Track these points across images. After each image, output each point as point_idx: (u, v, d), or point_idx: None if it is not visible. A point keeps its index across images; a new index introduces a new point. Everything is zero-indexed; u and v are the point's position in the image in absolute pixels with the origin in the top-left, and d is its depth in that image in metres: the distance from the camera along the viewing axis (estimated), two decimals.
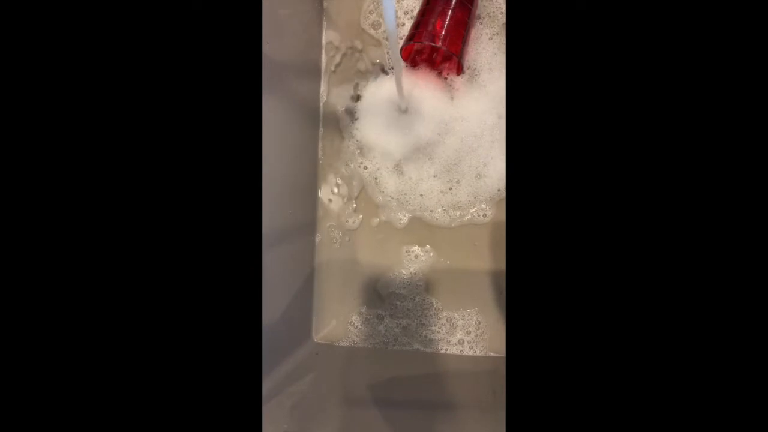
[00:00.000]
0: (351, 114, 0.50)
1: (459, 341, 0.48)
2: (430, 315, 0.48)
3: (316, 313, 0.50)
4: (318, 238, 0.50)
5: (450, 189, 0.48)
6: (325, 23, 0.51)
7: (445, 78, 0.48)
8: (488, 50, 0.47)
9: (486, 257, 0.48)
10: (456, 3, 0.44)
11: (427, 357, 0.48)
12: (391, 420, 0.36)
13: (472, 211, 0.48)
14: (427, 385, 0.43)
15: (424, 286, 0.49)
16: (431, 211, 0.49)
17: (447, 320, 0.48)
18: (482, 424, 0.36)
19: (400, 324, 0.49)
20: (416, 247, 0.49)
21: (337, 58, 0.51)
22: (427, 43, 0.44)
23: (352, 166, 0.50)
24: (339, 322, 0.50)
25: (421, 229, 0.49)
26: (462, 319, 0.48)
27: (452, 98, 0.47)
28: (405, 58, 0.48)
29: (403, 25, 0.49)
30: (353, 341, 0.49)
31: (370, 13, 0.50)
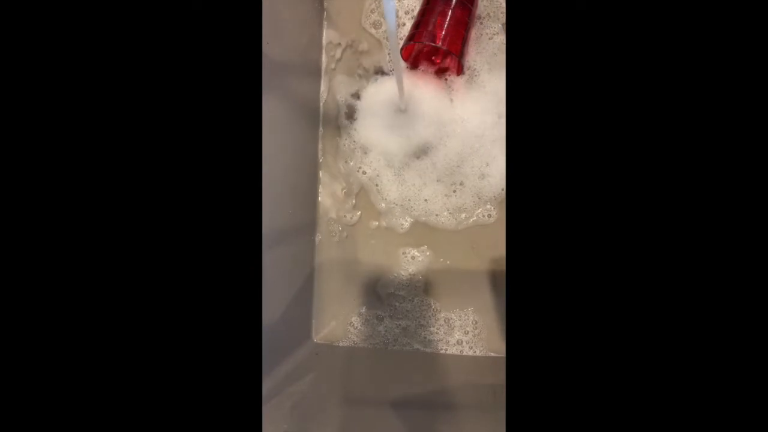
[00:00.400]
0: (351, 114, 0.50)
1: (458, 341, 0.48)
2: (429, 316, 0.48)
3: (316, 314, 0.50)
4: (318, 237, 0.50)
5: (454, 192, 0.48)
6: (325, 23, 0.51)
7: (445, 78, 0.48)
8: (488, 50, 0.47)
9: (483, 258, 0.48)
10: (456, 3, 0.44)
11: (427, 357, 0.48)
12: (391, 420, 0.36)
13: (477, 212, 0.48)
14: (427, 385, 0.43)
15: (423, 287, 0.49)
16: (437, 215, 0.49)
17: (445, 321, 0.48)
18: (482, 424, 0.36)
19: (399, 325, 0.49)
20: (414, 249, 0.49)
21: (338, 58, 0.51)
22: (427, 43, 0.44)
23: (351, 163, 0.50)
24: (339, 322, 0.50)
25: (423, 232, 0.49)
26: (459, 320, 0.48)
27: (452, 99, 0.47)
28: (405, 58, 0.48)
29: (404, 24, 0.49)
30: (353, 341, 0.49)
31: (371, 12, 0.50)
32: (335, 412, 0.37)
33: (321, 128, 0.51)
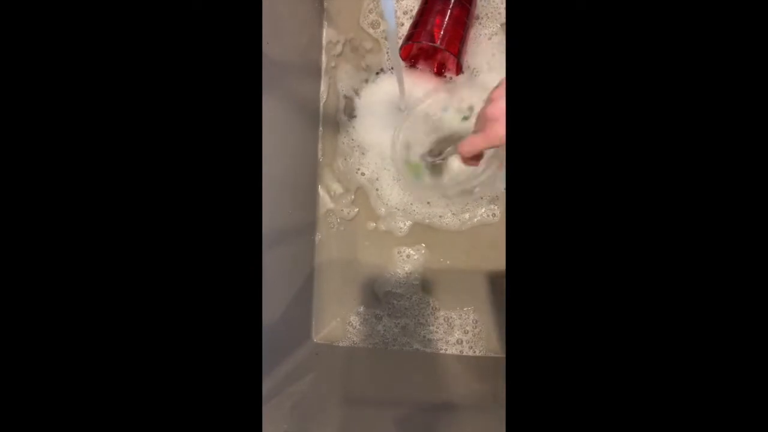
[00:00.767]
0: (351, 114, 0.50)
1: (458, 341, 0.48)
2: (428, 314, 0.48)
3: (316, 313, 0.50)
4: (318, 237, 0.50)
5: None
6: (325, 23, 0.51)
7: (444, 78, 0.48)
8: (487, 50, 0.47)
9: (484, 257, 0.48)
10: (455, 2, 0.44)
11: (427, 357, 0.48)
12: (391, 420, 0.36)
13: (481, 212, 0.48)
14: (427, 384, 0.43)
15: (420, 285, 0.49)
16: (440, 217, 0.49)
17: (444, 320, 0.48)
18: (482, 423, 0.36)
19: (398, 324, 0.49)
20: (409, 248, 0.49)
21: (337, 58, 0.51)
22: (425, 42, 0.44)
23: (351, 162, 0.50)
24: (338, 322, 0.50)
25: (423, 232, 0.49)
26: (459, 319, 0.48)
27: (451, 98, 0.48)
28: (404, 58, 0.48)
29: (402, 24, 0.49)
30: (353, 341, 0.49)
31: (370, 12, 0.50)
32: (335, 412, 0.37)
33: (321, 128, 0.51)
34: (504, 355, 0.47)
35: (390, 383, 0.44)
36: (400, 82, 0.41)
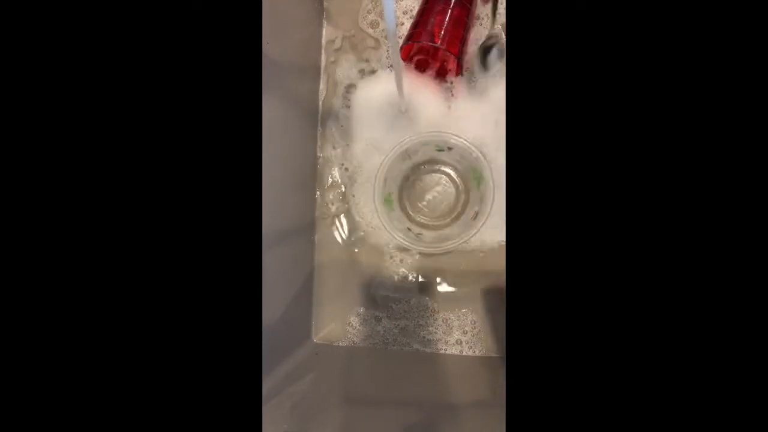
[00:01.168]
0: (350, 114, 0.50)
1: (457, 341, 0.48)
2: (427, 316, 0.48)
3: (316, 314, 0.50)
4: (317, 237, 0.50)
5: None
6: (325, 22, 0.51)
7: (444, 78, 0.48)
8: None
9: (484, 257, 0.48)
10: (455, 2, 0.44)
11: (427, 357, 0.48)
12: (391, 420, 0.36)
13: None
14: (427, 385, 0.43)
15: (418, 287, 0.49)
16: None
17: (443, 321, 0.48)
18: (482, 423, 0.36)
19: (398, 325, 0.49)
20: (400, 253, 0.49)
21: (337, 58, 0.51)
22: (426, 42, 0.44)
23: (351, 163, 0.50)
24: (338, 322, 0.50)
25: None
26: (458, 320, 0.48)
27: (452, 96, 0.48)
28: (404, 58, 0.48)
29: (402, 24, 0.49)
30: (353, 341, 0.49)
31: (369, 12, 0.50)
32: (335, 412, 0.37)
33: (320, 128, 0.51)
34: (503, 355, 0.47)
35: (390, 383, 0.44)
36: (400, 83, 0.41)
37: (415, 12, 0.48)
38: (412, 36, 0.44)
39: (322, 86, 0.51)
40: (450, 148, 0.44)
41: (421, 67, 0.49)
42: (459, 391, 0.42)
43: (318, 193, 0.50)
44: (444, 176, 0.48)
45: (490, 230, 0.47)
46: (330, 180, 0.50)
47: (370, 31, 0.50)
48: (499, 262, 0.48)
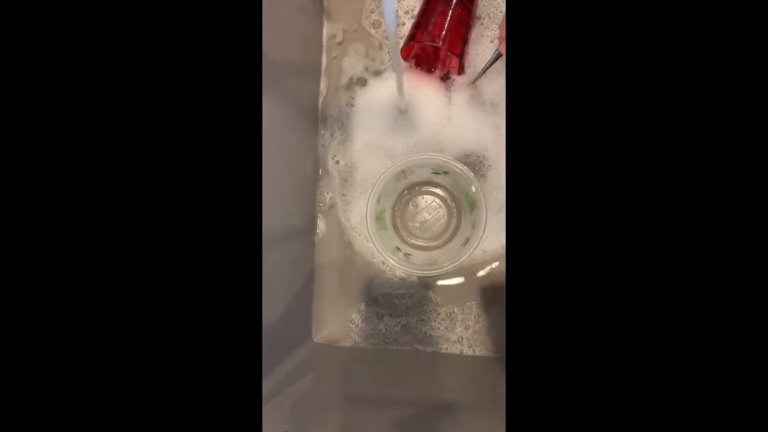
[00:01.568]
0: (351, 114, 0.50)
1: (458, 338, 0.48)
2: (429, 311, 0.48)
3: (316, 313, 0.50)
4: (318, 237, 0.50)
5: None
6: (325, 22, 0.51)
7: (445, 78, 0.48)
8: (488, 52, 0.47)
9: (485, 257, 0.48)
10: (456, 2, 0.44)
11: (428, 357, 0.48)
12: (391, 420, 0.36)
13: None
14: (427, 384, 0.43)
15: (419, 283, 0.49)
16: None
17: (446, 316, 0.48)
18: (482, 423, 0.36)
19: (399, 322, 0.49)
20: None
21: (337, 58, 0.51)
22: (427, 43, 0.44)
23: (351, 163, 0.50)
24: (339, 322, 0.50)
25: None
26: (462, 314, 0.48)
27: (452, 97, 0.48)
28: (405, 58, 0.48)
29: (404, 24, 0.49)
30: (353, 341, 0.49)
31: (371, 12, 0.50)
32: (335, 412, 0.37)
33: (321, 128, 0.51)
34: (503, 356, 0.47)
35: (390, 383, 0.44)
36: (400, 82, 0.41)
37: (416, 12, 0.48)
38: (414, 36, 0.44)
39: (322, 86, 0.51)
40: (446, 173, 0.44)
41: (422, 67, 0.49)
42: (459, 391, 0.42)
43: (318, 192, 0.50)
44: (438, 199, 0.48)
45: (492, 233, 0.47)
46: (330, 180, 0.50)
47: (372, 31, 0.50)
48: (501, 262, 0.48)
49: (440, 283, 0.49)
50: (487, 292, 0.48)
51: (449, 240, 0.48)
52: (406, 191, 0.49)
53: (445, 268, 0.41)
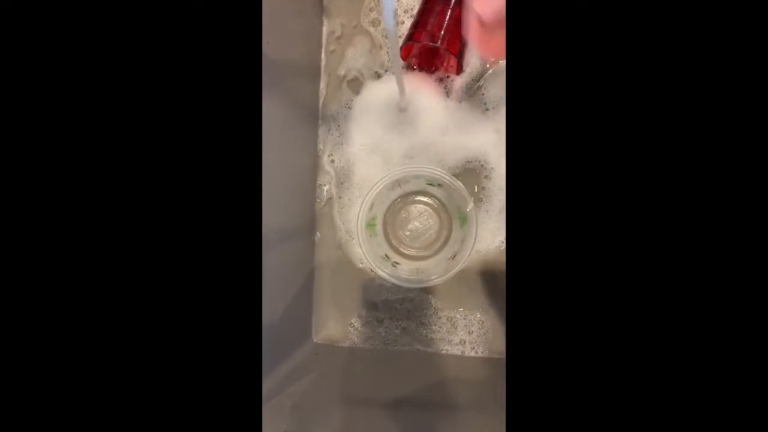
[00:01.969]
0: (351, 113, 0.50)
1: (461, 341, 0.48)
2: (430, 314, 0.48)
3: (316, 314, 0.50)
4: (318, 237, 0.50)
5: None
6: (325, 22, 0.51)
7: (445, 77, 0.48)
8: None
9: (486, 258, 0.48)
10: (455, 2, 0.44)
11: (428, 357, 0.48)
12: (391, 420, 0.36)
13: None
14: (427, 385, 0.43)
15: (419, 287, 0.49)
16: None
17: (447, 320, 0.48)
18: (482, 424, 0.36)
19: (399, 325, 0.49)
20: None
21: (337, 57, 0.51)
22: (426, 42, 0.44)
23: (350, 163, 0.50)
24: (339, 322, 0.50)
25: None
26: (464, 319, 0.48)
27: (450, 98, 0.48)
28: (404, 58, 0.48)
29: (403, 23, 0.48)
30: (353, 342, 0.49)
31: (371, 11, 0.50)
32: (335, 412, 0.37)
33: (321, 128, 0.51)
34: (504, 356, 0.47)
35: (390, 383, 0.44)
36: (400, 82, 0.41)
37: (415, 11, 0.47)
38: (412, 36, 0.44)
39: (322, 86, 0.51)
40: (440, 185, 0.44)
41: (421, 67, 0.49)
42: (460, 391, 0.42)
43: (318, 193, 0.50)
44: (429, 209, 0.49)
45: (490, 232, 0.47)
46: (329, 180, 0.50)
47: (372, 30, 0.50)
48: (501, 261, 0.48)
49: (441, 286, 0.49)
50: (488, 294, 0.48)
51: (438, 251, 0.48)
52: (399, 199, 0.49)
53: (433, 281, 0.41)
